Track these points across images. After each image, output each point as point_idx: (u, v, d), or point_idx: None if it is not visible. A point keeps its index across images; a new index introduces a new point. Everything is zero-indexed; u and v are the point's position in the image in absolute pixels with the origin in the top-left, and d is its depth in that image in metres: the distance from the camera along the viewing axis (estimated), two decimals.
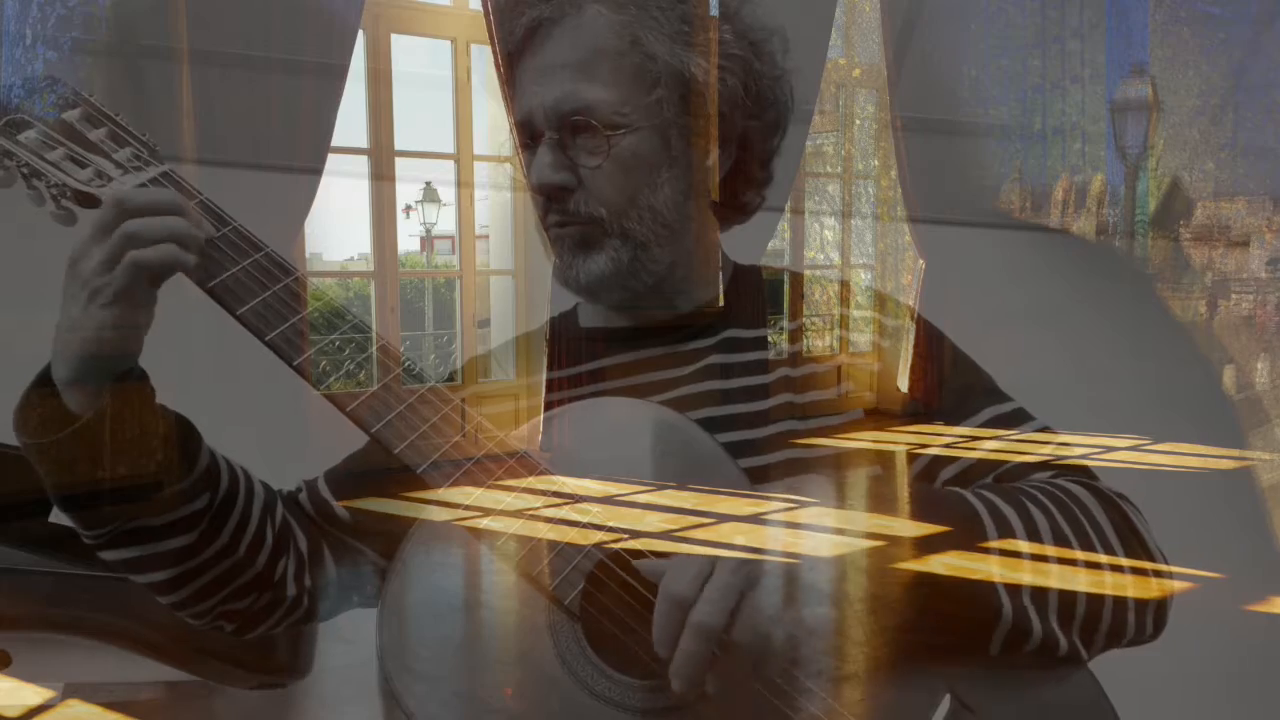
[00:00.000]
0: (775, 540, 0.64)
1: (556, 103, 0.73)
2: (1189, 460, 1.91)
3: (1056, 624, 0.66)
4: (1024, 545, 0.67)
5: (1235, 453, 2.28)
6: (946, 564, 0.65)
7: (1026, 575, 0.66)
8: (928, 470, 0.76)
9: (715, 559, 0.61)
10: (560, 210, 0.75)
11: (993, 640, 0.66)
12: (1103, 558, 0.68)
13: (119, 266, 0.62)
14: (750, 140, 0.79)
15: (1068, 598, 0.66)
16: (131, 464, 0.68)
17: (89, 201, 0.68)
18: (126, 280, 0.62)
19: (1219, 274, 2.43)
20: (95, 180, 0.68)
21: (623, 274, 0.75)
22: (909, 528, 0.65)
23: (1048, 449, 0.76)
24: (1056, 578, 0.67)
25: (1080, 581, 0.67)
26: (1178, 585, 0.71)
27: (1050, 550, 0.67)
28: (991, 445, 0.76)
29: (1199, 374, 2.40)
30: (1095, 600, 0.67)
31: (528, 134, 0.76)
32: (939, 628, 0.65)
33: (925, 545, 0.65)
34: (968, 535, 0.66)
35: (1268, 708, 1.75)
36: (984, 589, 0.65)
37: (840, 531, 0.65)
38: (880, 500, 0.68)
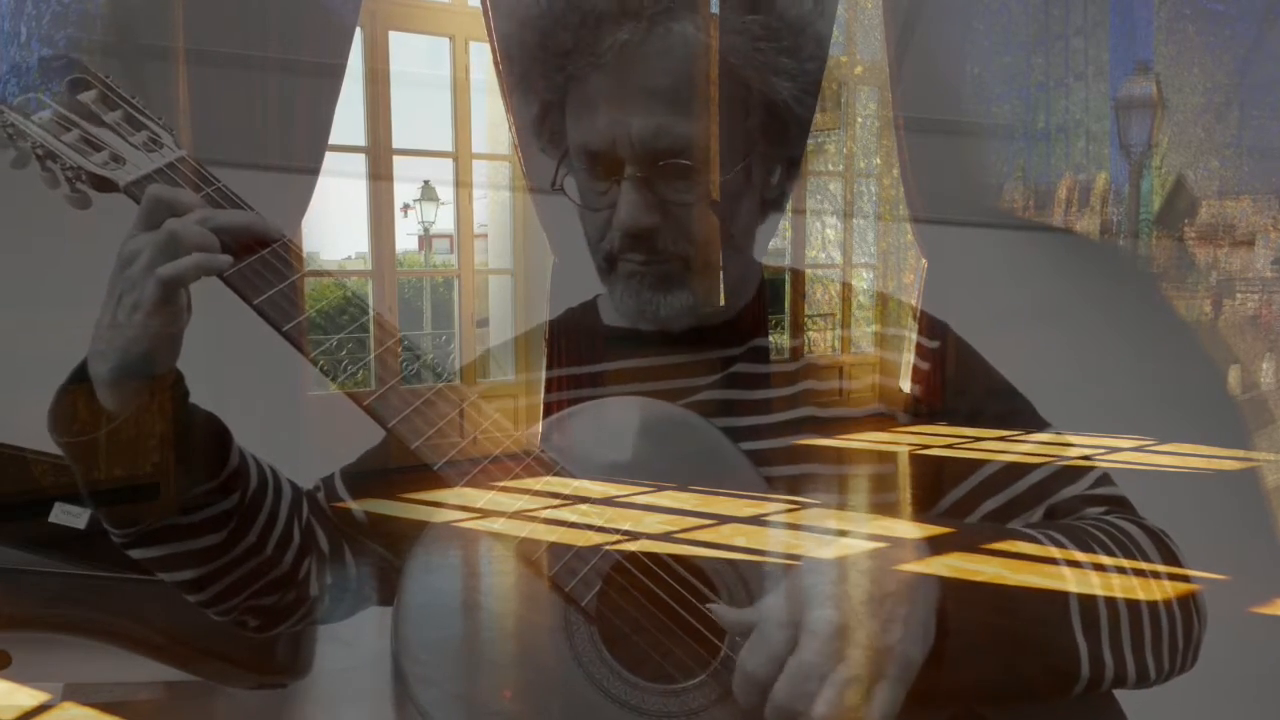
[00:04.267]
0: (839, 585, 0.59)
1: (650, 138, 0.67)
2: (1193, 461, 1.90)
3: (1127, 666, 0.64)
4: (1098, 589, 0.64)
5: (1240, 453, 2.27)
6: (1025, 609, 0.61)
7: (1102, 621, 0.63)
8: (970, 499, 0.73)
9: (799, 634, 0.56)
10: (646, 250, 0.71)
11: (1069, 696, 0.63)
12: (1156, 588, 0.67)
13: (152, 280, 0.61)
14: (795, 150, 0.77)
15: (1138, 641, 0.64)
16: (163, 462, 0.66)
17: (104, 185, 0.67)
18: (160, 292, 0.61)
19: (1224, 273, 2.42)
20: (110, 164, 0.67)
21: (699, 304, 0.73)
22: (984, 570, 0.62)
23: (1091, 474, 0.73)
24: (1127, 621, 0.64)
25: (1145, 623, 0.65)
26: (1194, 588, 0.70)
27: (1119, 594, 0.65)
28: (1035, 479, 0.73)
29: (1204, 374, 2.39)
30: (1156, 639, 0.65)
31: (604, 164, 0.71)
32: (1014, 687, 0.62)
33: (1006, 598, 0.61)
34: (1045, 581, 0.63)
35: (1272, 710, 1.74)
36: (1064, 647, 0.62)
37: (912, 583, 0.59)
38: (949, 544, 0.63)
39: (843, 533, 0.64)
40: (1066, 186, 2.65)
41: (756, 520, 0.67)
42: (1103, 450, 0.86)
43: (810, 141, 0.78)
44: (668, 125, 0.67)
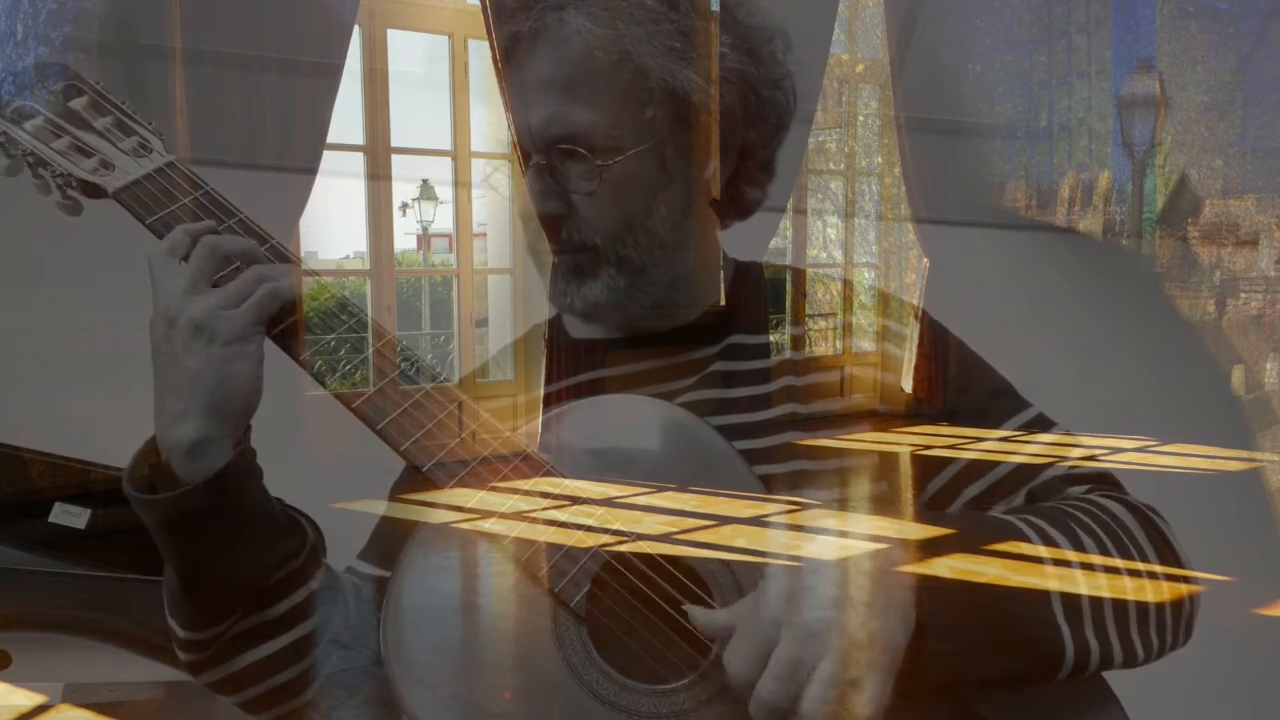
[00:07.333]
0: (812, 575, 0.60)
1: (543, 126, 0.69)
2: (1197, 462, 1.90)
3: (1113, 648, 0.64)
4: (1079, 574, 0.64)
5: (1244, 454, 2.26)
6: (1005, 598, 0.62)
7: (1084, 604, 0.63)
8: (952, 485, 0.73)
9: (779, 630, 0.56)
10: (554, 239, 0.72)
11: (1055, 680, 0.63)
12: (1143, 567, 0.67)
13: (253, 298, 0.62)
14: (750, 148, 0.76)
15: (1122, 623, 0.64)
16: (247, 540, 0.64)
17: (94, 191, 0.67)
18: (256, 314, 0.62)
19: (1227, 273, 2.41)
20: (100, 170, 0.67)
21: (620, 300, 0.73)
22: (967, 565, 0.62)
23: (1072, 455, 0.74)
24: (1109, 603, 0.64)
25: (1130, 604, 0.65)
26: (1181, 562, 0.70)
27: (1102, 576, 0.65)
28: (1019, 458, 0.73)
29: (1207, 374, 2.39)
30: (1142, 619, 0.65)
31: (522, 153, 0.73)
32: (1001, 675, 0.62)
33: (985, 586, 0.61)
34: (1025, 569, 0.63)
35: (1272, 709, 1.74)
36: (1047, 634, 0.62)
37: (889, 573, 0.60)
38: (922, 532, 0.64)
39: (842, 533, 0.64)
40: (1069, 186, 2.64)
41: (754, 520, 0.67)
42: (1105, 450, 0.86)
43: (811, 140, 0.78)
44: (559, 113, 0.69)
